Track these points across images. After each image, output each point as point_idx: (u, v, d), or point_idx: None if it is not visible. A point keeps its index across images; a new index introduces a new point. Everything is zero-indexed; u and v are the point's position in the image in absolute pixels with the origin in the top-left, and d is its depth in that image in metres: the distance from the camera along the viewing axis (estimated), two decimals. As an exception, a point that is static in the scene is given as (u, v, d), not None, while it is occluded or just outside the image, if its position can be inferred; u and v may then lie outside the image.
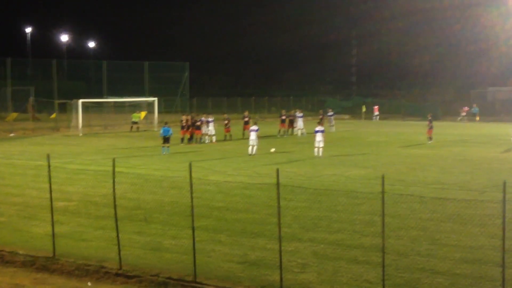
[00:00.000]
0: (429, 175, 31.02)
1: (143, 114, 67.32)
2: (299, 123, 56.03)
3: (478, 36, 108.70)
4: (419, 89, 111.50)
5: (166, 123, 43.86)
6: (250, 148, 40.43)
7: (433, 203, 21.52)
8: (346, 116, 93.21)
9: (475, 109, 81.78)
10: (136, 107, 69.12)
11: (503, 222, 13.10)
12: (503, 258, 13.17)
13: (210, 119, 50.08)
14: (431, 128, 46.93)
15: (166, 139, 41.33)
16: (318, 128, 39.54)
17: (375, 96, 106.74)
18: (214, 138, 49.47)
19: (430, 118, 47.96)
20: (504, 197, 13.02)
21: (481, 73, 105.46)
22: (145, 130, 62.73)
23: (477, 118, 79.13)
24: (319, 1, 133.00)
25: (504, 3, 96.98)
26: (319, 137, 38.86)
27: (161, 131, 42.09)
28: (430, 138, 46.80)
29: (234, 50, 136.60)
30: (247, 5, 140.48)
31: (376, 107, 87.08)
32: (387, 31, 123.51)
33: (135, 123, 62.35)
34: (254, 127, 41.16)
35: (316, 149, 39.02)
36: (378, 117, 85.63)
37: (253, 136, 40.56)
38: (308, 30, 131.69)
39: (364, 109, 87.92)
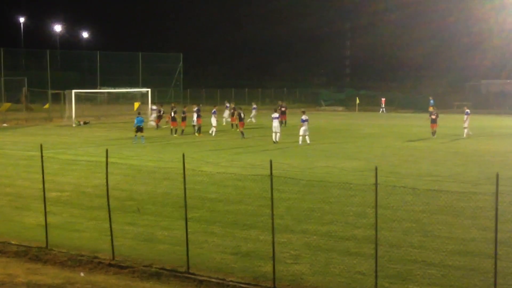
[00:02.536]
0: (422, 167, 31.08)
1: (136, 105, 67.23)
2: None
3: (471, 29, 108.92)
4: (412, 81, 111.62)
5: (139, 113, 45.27)
6: (273, 135, 42.43)
7: (425, 195, 21.57)
8: (340, 108, 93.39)
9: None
10: (132, 98, 69.04)
11: (495, 215, 13.13)
12: (495, 250, 13.21)
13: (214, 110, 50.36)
14: (434, 122, 46.23)
15: (139, 129, 42.36)
16: (304, 117, 41.49)
17: (369, 88, 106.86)
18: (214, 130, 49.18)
19: (435, 111, 46.98)
20: (496, 189, 13.05)
21: (474, 66, 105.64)
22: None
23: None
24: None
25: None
26: (305, 126, 41.19)
27: (135, 121, 42.96)
28: (433, 133, 46.02)
29: (228, 41, 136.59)
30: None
31: (383, 99, 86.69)
32: (381, 24, 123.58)
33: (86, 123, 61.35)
34: (276, 115, 43.13)
35: (301, 137, 41.24)
36: (384, 109, 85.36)
37: (275, 123, 42.47)
38: (302, 22, 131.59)
39: (358, 101, 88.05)
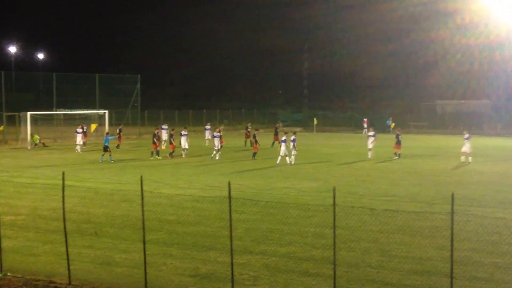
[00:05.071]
0: (380, 187, 31.35)
1: (93, 126, 66.65)
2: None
3: (427, 50, 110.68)
4: (369, 102, 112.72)
5: (107, 133, 47.95)
6: (279, 158, 42.15)
7: (383, 215, 21.73)
8: (298, 129, 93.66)
9: (389, 121, 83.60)
10: (86, 119, 68.32)
11: (451, 234, 13.31)
12: (451, 269, 13.37)
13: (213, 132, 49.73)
14: (399, 143, 46.16)
15: (106, 148, 44.55)
16: (284, 138, 42.66)
17: (326, 109, 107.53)
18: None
19: (398, 133, 46.94)
20: (452, 209, 13.23)
21: (430, 87, 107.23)
22: (95, 143, 62.08)
23: (392, 126, 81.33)
24: (270, 13, 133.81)
25: (453, 19, 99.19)
26: (283, 146, 42.07)
27: (104, 140, 45.40)
28: (397, 154, 46.00)
29: (185, 62, 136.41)
30: (197, 17, 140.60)
31: (365, 119, 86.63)
32: (338, 45, 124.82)
33: (36, 144, 58.83)
34: (284, 138, 42.86)
35: (280, 158, 42.00)
36: (366, 130, 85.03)
37: (283, 147, 42.31)
38: (260, 43, 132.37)
39: (315, 121, 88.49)
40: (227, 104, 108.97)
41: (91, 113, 71.14)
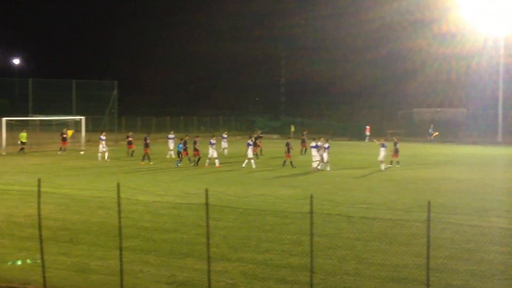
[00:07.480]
0: (357, 194, 31.44)
1: (70, 132, 66.17)
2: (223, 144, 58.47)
3: (405, 59, 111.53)
4: (348, 109, 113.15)
5: (181, 139, 47.46)
6: (321, 164, 43.60)
7: (360, 222, 21.80)
8: (275, 136, 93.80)
9: (431, 130, 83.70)
10: (63, 125, 67.93)
11: (427, 241, 13.38)
12: (427, 276, 13.44)
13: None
14: (396, 151, 46.15)
15: (179, 154, 46.69)
16: (313, 143, 43.76)
17: (304, 116, 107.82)
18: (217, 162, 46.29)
19: (396, 141, 46.88)
20: (428, 216, 13.31)
21: (408, 95, 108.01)
22: (71, 149, 61.72)
23: (434, 135, 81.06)
24: (248, 20, 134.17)
25: (430, 28, 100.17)
26: (314, 152, 43.45)
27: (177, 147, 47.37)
28: (398, 162, 46.04)
29: (163, 68, 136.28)
30: (174, 23, 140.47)
31: (367, 127, 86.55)
32: (317, 53, 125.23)
33: (23, 143, 58.53)
34: (313, 144, 43.83)
35: (315, 163, 43.45)
36: (368, 137, 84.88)
37: (314, 152, 43.38)
38: (237, 49, 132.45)
39: (293, 128, 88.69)
40: (204, 111, 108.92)
41: (68, 119, 70.71)
